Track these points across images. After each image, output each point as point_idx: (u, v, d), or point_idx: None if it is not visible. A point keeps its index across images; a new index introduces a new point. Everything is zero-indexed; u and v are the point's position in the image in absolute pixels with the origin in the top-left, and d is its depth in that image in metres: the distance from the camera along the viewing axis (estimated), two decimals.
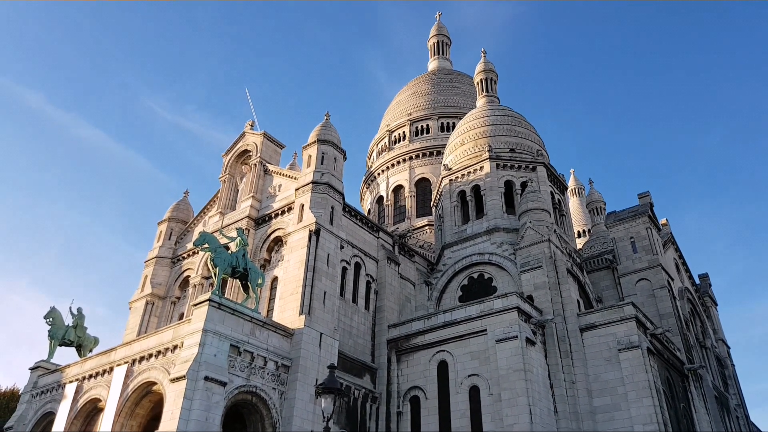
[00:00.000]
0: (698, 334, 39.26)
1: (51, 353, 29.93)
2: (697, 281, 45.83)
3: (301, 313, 25.33)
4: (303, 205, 29.10)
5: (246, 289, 25.35)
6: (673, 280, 36.86)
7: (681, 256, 42.66)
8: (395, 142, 54.20)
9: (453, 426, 25.51)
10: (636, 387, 25.15)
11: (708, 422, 31.27)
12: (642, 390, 24.96)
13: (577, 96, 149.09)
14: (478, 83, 44.88)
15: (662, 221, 41.73)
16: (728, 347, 45.15)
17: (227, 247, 26.11)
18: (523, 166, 37.10)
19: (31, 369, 29.70)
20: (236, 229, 28.03)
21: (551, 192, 37.09)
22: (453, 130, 44.60)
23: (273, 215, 31.67)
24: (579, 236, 56.59)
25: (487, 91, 43.98)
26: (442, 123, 52.96)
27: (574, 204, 61.82)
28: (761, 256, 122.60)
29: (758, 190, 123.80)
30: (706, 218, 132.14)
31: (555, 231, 33.02)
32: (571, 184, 63.78)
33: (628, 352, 25.99)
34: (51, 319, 30.30)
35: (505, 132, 39.30)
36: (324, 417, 15.12)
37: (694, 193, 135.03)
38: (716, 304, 47.12)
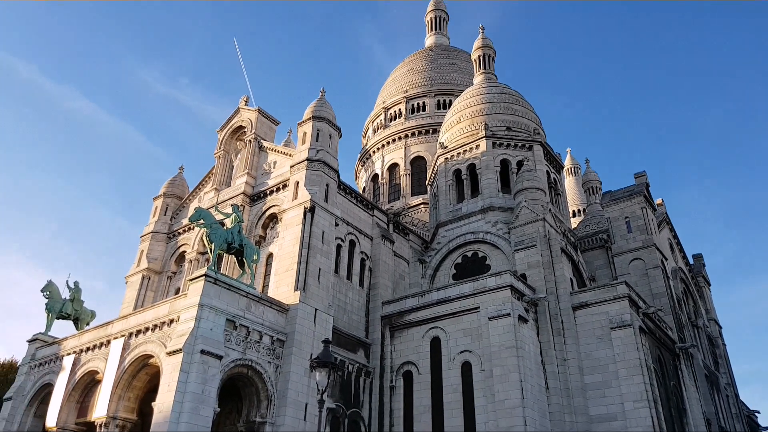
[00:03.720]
0: (690, 314, 39.73)
1: (48, 326, 30.18)
2: (691, 261, 46.20)
3: (296, 289, 25.51)
4: (298, 183, 29.08)
5: (242, 265, 25.51)
6: (666, 259, 37.15)
7: (675, 236, 42.94)
8: (391, 120, 53.88)
9: (445, 400, 25.93)
10: (627, 365, 25.53)
11: (698, 400, 31.84)
12: (633, 368, 25.35)
13: (575, 74, 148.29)
14: (475, 60, 44.55)
15: (658, 201, 41.89)
16: (720, 327, 45.73)
17: (222, 224, 26.17)
18: (520, 144, 37.05)
19: (29, 341, 29.97)
20: (231, 205, 28.10)
21: (547, 171, 37.12)
22: (449, 107, 44.35)
23: (268, 192, 31.66)
24: (574, 216, 56.80)
25: (485, 68, 43.68)
26: (439, 100, 52.57)
27: (570, 183, 61.89)
28: (755, 238, 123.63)
29: (755, 170, 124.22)
30: (702, 198, 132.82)
31: (550, 210, 33.14)
32: (567, 163, 63.76)
33: (620, 330, 26.33)
34: (48, 293, 30.53)
35: (502, 110, 39.15)
36: (318, 390, 15.37)
37: (691, 172, 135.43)
38: (709, 285, 47.59)
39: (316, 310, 25.54)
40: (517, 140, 37.09)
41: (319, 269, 26.81)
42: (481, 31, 45.24)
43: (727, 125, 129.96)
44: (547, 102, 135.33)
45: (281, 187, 30.93)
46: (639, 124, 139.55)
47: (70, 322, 30.92)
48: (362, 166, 55.47)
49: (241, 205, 31.41)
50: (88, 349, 25.77)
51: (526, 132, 38.09)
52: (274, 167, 32.72)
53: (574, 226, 44.79)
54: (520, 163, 36.16)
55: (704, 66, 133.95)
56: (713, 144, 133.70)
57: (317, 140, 30.30)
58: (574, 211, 58.75)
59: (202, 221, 24.58)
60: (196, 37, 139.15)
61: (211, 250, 24.27)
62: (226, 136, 36.44)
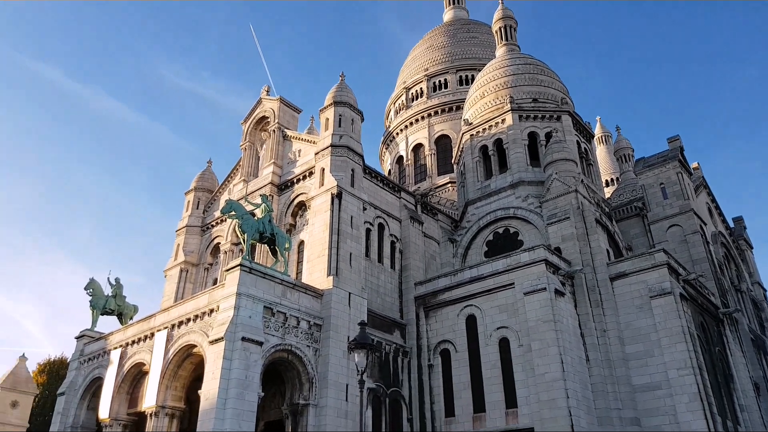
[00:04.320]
0: (733, 278, 38.67)
1: (94, 322, 31.34)
2: (731, 225, 44.85)
3: (328, 274, 25.77)
4: (323, 169, 29.20)
5: (274, 253, 25.92)
6: (705, 224, 36.15)
7: (714, 200, 41.72)
8: (413, 100, 53.33)
9: (484, 376, 25.97)
10: (669, 333, 25.09)
11: (744, 365, 31.12)
12: (675, 335, 24.90)
13: (601, 38, 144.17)
14: (496, 32, 43.66)
15: (693, 165, 40.70)
16: (765, 290, 44.44)
17: (253, 214, 26.57)
18: (547, 116, 36.32)
19: (77, 338, 31.16)
20: (260, 195, 28.44)
21: (577, 141, 36.38)
22: (472, 83, 43.69)
23: (295, 180, 31.90)
24: (607, 185, 55.72)
25: (507, 39, 42.79)
26: (461, 76, 51.70)
27: (601, 152, 60.65)
28: None
29: None
30: (741, 159, 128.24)
31: (582, 181, 32.52)
32: (597, 132, 62.41)
33: (660, 298, 25.83)
34: (91, 290, 31.61)
35: (527, 81, 38.37)
36: (358, 371, 15.57)
37: (729, 133, 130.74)
38: (751, 247, 46.17)
39: (349, 293, 25.77)
40: (545, 111, 36.36)
41: (350, 254, 26.98)
42: (500, 1, 44.28)
43: (763, 81, 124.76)
44: (574, 70, 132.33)
45: (307, 174, 31.10)
46: (670, 87, 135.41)
47: (115, 318, 31.97)
48: (386, 148, 55.25)
49: (270, 194, 31.74)
50: (133, 342, 26.64)
51: (553, 102, 37.30)
52: (299, 155, 32.91)
53: (607, 195, 43.92)
54: (548, 135, 35.49)
55: (737, 21, 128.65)
56: (749, 102, 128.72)
57: (340, 125, 30.28)
58: (606, 180, 57.63)
59: (233, 213, 25.00)
60: (214, 29, 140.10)
61: (244, 240, 24.70)
62: (250, 128, 36.75)
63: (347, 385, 23.74)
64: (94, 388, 28.52)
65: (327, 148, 29.50)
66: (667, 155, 36.99)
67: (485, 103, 38.64)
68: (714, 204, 41.60)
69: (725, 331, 31.34)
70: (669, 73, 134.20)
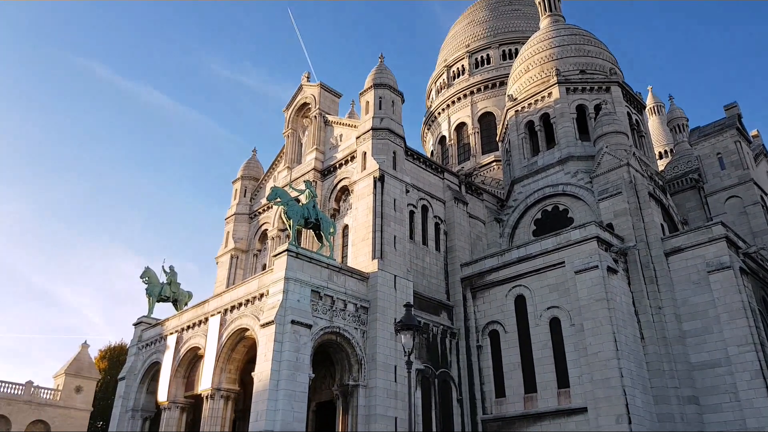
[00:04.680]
0: None
1: (150, 309, 32.51)
2: None
3: (373, 258, 25.87)
4: (365, 153, 29.16)
5: (320, 238, 26.21)
6: (766, 194, 34.28)
7: None
8: (454, 78, 52.28)
9: (535, 356, 25.61)
10: (728, 309, 24.08)
11: None
12: (735, 311, 23.88)
13: (650, 5, 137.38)
14: (539, 2, 42.31)
15: (753, 133, 38.56)
16: None
17: (298, 200, 26.88)
18: (596, 87, 35.05)
19: (135, 324, 32.46)
20: (304, 181, 28.67)
21: (628, 113, 35.01)
22: (516, 57, 42.51)
23: (337, 165, 32.02)
24: (661, 157, 53.49)
25: (551, 10, 41.40)
26: (504, 51, 50.25)
27: (653, 123, 58.19)
28: None
29: None
30: None
31: (634, 154, 31.31)
32: (649, 102, 59.85)
33: (719, 273, 24.77)
34: (146, 278, 32.73)
35: (574, 52, 37.07)
36: (405, 352, 15.59)
37: None
38: None
39: (395, 276, 25.80)
40: (593, 83, 35.08)
41: (394, 236, 26.96)
42: None
43: None
44: (623, 39, 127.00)
45: (350, 159, 31.15)
46: (726, 52, 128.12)
47: (170, 304, 33.08)
48: (428, 129, 54.60)
49: (313, 180, 32.00)
50: (188, 327, 27.57)
51: (602, 73, 35.94)
52: (341, 140, 32.98)
53: (661, 168, 42.20)
54: (597, 108, 34.26)
55: None
56: None
57: (380, 108, 30.10)
58: (660, 152, 55.31)
59: (278, 199, 25.42)
60: (253, 17, 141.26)
61: (289, 226, 25.05)
62: (292, 115, 37.06)
63: (395, 367, 23.90)
64: (153, 372, 29.68)
65: (368, 131, 29.42)
66: (724, 123, 35.18)
67: (530, 77, 37.60)
68: None
69: None
70: (723, 37, 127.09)
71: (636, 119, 35.67)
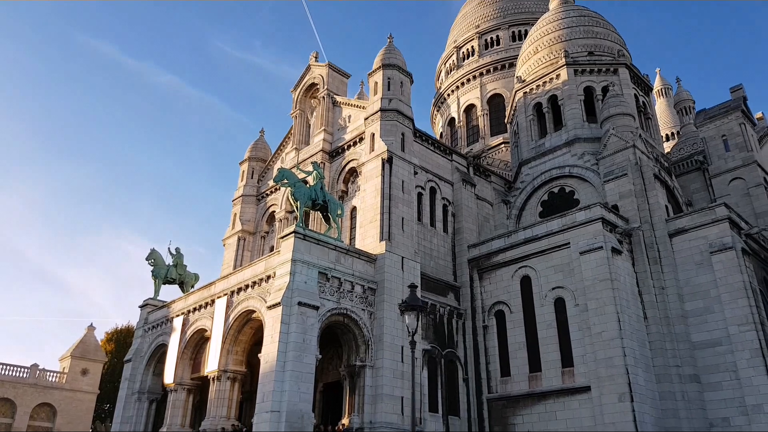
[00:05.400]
0: None
1: (156, 291, 32.62)
2: None
3: (381, 239, 26.12)
4: (373, 134, 29.26)
5: (327, 220, 26.44)
6: None
7: None
8: (464, 59, 51.96)
9: (540, 336, 25.99)
10: (730, 289, 24.33)
11: None
12: (737, 291, 24.13)
13: None
14: None
15: (757, 115, 38.42)
16: None
17: (305, 182, 26.98)
18: (604, 69, 34.90)
19: (141, 306, 32.70)
20: (312, 163, 28.86)
21: (635, 95, 34.89)
22: (525, 38, 42.23)
23: (345, 147, 32.13)
24: (667, 140, 53.28)
25: None
26: (513, 32, 49.88)
27: (661, 105, 57.83)
28: None
29: None
30: None
31: (640, 136, 31.30)
32: (656, 84, 59.41)
33: (721, 254, 24.97)
34: (152, 260, 32.77)
35: (582, 34, 36.85)
36: (409, 332, 15.93)
37: None
38: None
39: (402, 258, 26.07)
40: (601, 65, 34.92)
41: (402, 218, 27.18)
42: None
43: None
44: (631, 20, 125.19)
45: (358, 140, 31.22)
46: (733, 34, 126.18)
47: (176, 287, 33.20)
48: (437, 111, 54.49)
49: (321, 162, 32.15)
50: (194, 309, 27.82)
51: (610, 55, 35.74)
52: (349, 121, 33.05)
53: (667, 150, 42.10)
54: (605, 90, 34.17)
55: None
56: None
57: (389, 89, 30.12)
58: (667, 134, 55.08)
59: (286, 181, 25.51)
60: None
61: (297, 208, 25.28)
62: (300, 95, 37.08)
63: (402, 347, 24.18)
64: (159, 354, 29.89)
65: (376, 112, 29.48)
66: (729, 105, 35.04)
67: (539, 58, 37.44)
68: None
69: None
70: (731, 19, 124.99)
71: (643, 101, 35.55)
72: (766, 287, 27.12)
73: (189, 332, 27.68)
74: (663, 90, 59.80)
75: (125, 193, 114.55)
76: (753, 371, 22.78)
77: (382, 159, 27.90)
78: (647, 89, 36.95)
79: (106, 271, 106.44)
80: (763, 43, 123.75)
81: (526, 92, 36.80)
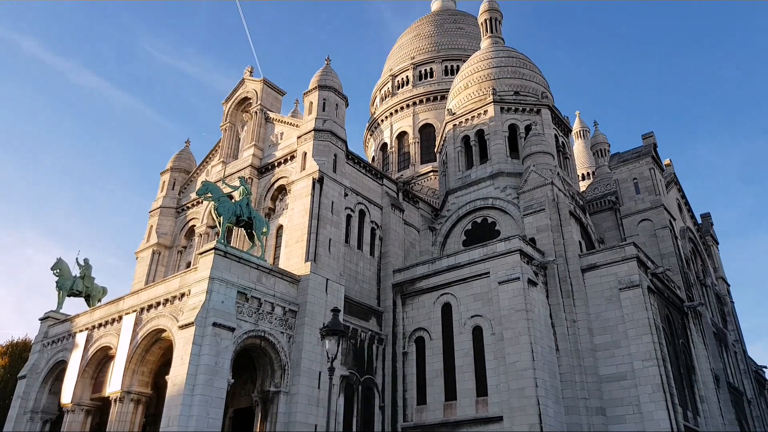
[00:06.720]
0: (699, 273, 39.71)
1: (60, 304, 30.47)
2: (699, 221, 45.96)
3: (306, 260, 25.66)
4: (305, 153, 28.97)
5: (251, 237, 25.70)
6: (675, 220, 36.98)
7: (684, 196, 42.69)
8: (398, 88, 53.14)
9: (457, 364, 26.29)
10: (636, 325, 25.68)
11: (706, 357, 32.06)
12: (642, 327, 25.50)
13: (583, 34, 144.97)
14: (482, 24, 43.83)
15: (666, 161, 41.48)
16: (728, 285, 45.71)
17: (231, 196, 26.22)
18: (528, 108, 36.62)
19: (41, 319, 30.32)
20: (239, 178, 28.09)
21: (555, 135, 36.77)
22: (457, 73, 43.71)
23: (276, 164, 31.59)
24: (583, 179, 56.37)
25: (492, 31, 42.95)
26: (446, 66, 51.67)
27: (579, 146, 61.26)
28: None
29: None
30: (716, 153, 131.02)
31: (558, 174, 32.93)
32: (576, 126, 62.99)
33: (629, 291, 26.42)
34: (58, 270, 30.67)
35: (510, 74, 38.58)
36: (329, 358, 15.60)
37: (705, 127, 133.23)
38: (717, 243, 47.43)
39: (327, 280, 25.70)
40: (525, 104, 36.64)
41: (330, 239, 26.91)
42: None
43: (739, 79, 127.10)
44: (556, 64, 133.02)
45: (289, 158, 30.80)
46: (648, 83, 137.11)
47: (82, 300, 31.21)
48: (371, 135, 55.05)
49: (249, 177, 31.40)
50: (100, 325, 26.12)
51: (534, 96, 37.58)
52: (281, 138, 32.58)
53: (583, 189, 44.51)
54: (528, 128, 35.81)
55: (713, 19, 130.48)
56: (725, 98, 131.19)
57: (324, 110, 30.04)
58: (583, 174, 58.27)
59: (209, 194, 24.64)
60: (199, 4, 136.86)
61: (219, 223, 24.42)
62: (231, 108, 36.21)
63: (320, 373, 23.60)
64: (58, 371, 27.83)
65: (310, 132, 29.24)
66: (641, 151, 37.64)
67: (469, 93, 38.75)
68: (684, 200, 42.58)
69: (689, 324, 32.22)
70: (648, 69, 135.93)
71: (562, 141, 37.53)
72: (668, 325, 29.01)
73: (92, 349, 25.87)
74: (581, 132, 63.45)
75: (33, 193, 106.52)
76: (654, 405, 23.95)
77: (313, 178, 27.62)
78: (567, 130, 39.08)
79: (7, 278, 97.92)
80: (674, 95, 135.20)
81: (455, 125, 37.90)
